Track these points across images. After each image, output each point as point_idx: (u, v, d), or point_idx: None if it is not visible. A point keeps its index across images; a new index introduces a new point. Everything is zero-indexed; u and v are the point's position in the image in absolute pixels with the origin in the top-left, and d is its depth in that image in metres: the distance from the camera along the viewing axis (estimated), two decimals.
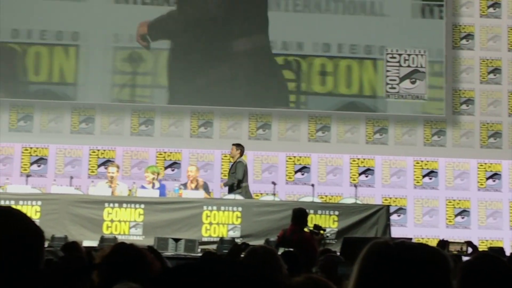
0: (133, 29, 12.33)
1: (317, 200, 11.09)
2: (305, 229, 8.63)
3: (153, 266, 2.41)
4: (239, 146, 11.02)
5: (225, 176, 12.24)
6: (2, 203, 9.26)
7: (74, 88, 12.23)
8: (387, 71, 12.67)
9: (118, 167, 10.56)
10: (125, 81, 12.41)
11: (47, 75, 12.22)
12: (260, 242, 9.39)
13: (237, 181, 10.63)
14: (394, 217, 11.80)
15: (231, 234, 9.68)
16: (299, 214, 8.65)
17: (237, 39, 12.47)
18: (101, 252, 2.49)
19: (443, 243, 8.70)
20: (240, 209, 9.84)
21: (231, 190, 10.74)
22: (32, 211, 9.23)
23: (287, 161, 12.45)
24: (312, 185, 11.19)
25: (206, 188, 10.67)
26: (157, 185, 10.47)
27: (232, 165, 10.95)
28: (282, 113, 12.53)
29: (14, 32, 12.18)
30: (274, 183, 10.83)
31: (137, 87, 12.48)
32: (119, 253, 2.45)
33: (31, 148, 12.06)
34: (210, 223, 9.72)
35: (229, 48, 12.44)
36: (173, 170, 12.21)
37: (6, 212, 1.64)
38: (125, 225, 9.55)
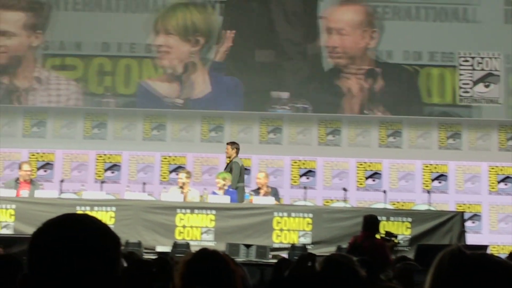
0: None
1: (389, 206, 10.93)
2: (377, 236, 8.53)
3: (236, 273, 2.40)
4: (234, 144, 10.86)
5: (295, 182, 12.22)
6: (78, 209, 9.48)
7: None
8: (460, 75, 12.42)
9: (188, 173, 10.64)
10: None
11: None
12: (332, 249, 9.32)
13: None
14: (468, 224, 11.52)
15: (302, 240, 9.63)
16: (371, 221, 8.56)
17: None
18: (184, 258, 2.49)
19: None
20: (310, 215, 9.78)
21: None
22: (106, 217, 9.39)
23: (357, 167, 12.33)
24: (384, 192, 11.05)
25: (275, 194, 10.65)
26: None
27: (227, 165, 10.85)
28: (352, 119, 12.43)
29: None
30: (345, 190, 10.73)
31: None
32: (202, 259, 2.44)
33: (105, 155, 12.31)
34: (281, 230, 9.70)
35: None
36: None
37: (84, 219, 1.66)
38: (197, 231, 9.61)
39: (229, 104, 12.42)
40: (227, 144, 10.96)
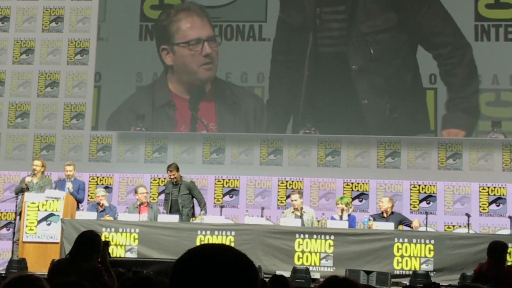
0: None
1: None
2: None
3: None
4: (172, 166, 10.89)
5: (414, 207, 11.94)
6: (199, 233, 9.65)
7: None
8: None
9: (300, 193, 10.63)
10: None
11: None
12: (455, 276, 9.05)
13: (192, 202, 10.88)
14: None
15: (424, 267, 9.37)
16: (497, 248, 8.21)
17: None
18: (316, 286, 2.48)
19: None
20: (432, 241, 9.52)
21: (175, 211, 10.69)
22: (226, 241, 9.49)
23: (480, 191, 11.92)
24: (509, 217, 10.59)
25: (400, 219, 10.46)
26: (345, 216, 10.40)
27: (179, 187, 10.82)
28: (474, 142, 12.05)
29: None
30: (468, 215, 10.37)
31: None
32: (335, 286, 2.42)
33: (223, 179, 12.49)
34: (402, 256, 9.48)
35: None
36: (360, 201, 12.11)
37: (224, 249, 1.68)
38: (315, 256, 9.55)
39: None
40: (171, 169, 10.87)
